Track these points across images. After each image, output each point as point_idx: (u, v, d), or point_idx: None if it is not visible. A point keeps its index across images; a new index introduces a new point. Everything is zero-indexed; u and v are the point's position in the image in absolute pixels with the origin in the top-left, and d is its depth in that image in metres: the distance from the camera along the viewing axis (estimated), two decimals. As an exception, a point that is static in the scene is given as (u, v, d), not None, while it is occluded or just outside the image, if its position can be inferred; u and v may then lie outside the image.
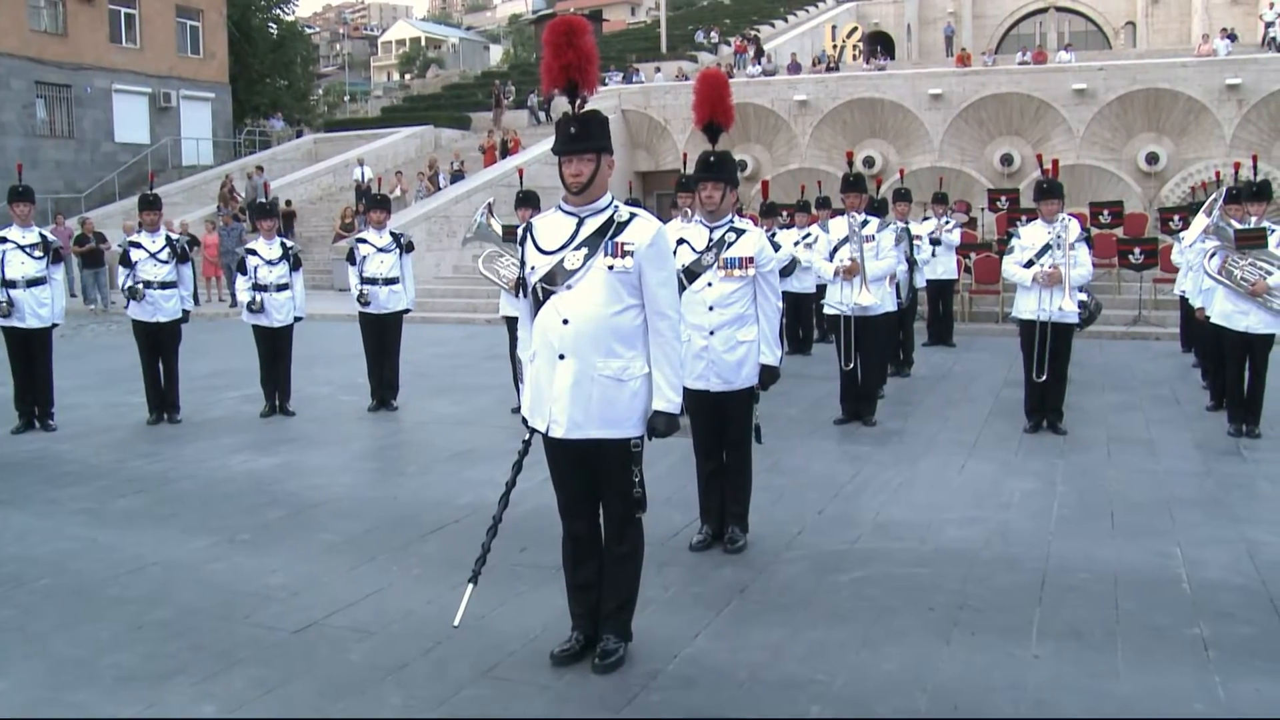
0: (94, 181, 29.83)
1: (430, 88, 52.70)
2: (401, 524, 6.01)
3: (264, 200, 11.50)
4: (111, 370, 12.24)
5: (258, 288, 9.32)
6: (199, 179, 29.83)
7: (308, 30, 60.45)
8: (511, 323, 8.79)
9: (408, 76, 75.82)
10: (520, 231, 4.09)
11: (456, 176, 27.17)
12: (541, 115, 33.02)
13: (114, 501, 6.59)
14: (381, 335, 9.65)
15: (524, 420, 4.05)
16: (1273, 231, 7.95)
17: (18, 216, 8.68)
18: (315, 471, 7.35)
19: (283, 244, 9.58)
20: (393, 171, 28.55)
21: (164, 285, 9.14)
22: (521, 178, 9.97)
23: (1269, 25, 32.61)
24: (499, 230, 8.67)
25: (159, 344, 9.21)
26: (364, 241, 9.73)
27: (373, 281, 9.57)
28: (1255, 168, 9.78)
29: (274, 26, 42.79)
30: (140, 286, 9.00)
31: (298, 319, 9.60)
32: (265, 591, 4.91)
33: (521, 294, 4.03)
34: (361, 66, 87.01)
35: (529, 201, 8.99)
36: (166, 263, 9.16)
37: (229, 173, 29.26)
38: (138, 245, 9.15)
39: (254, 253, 9.45)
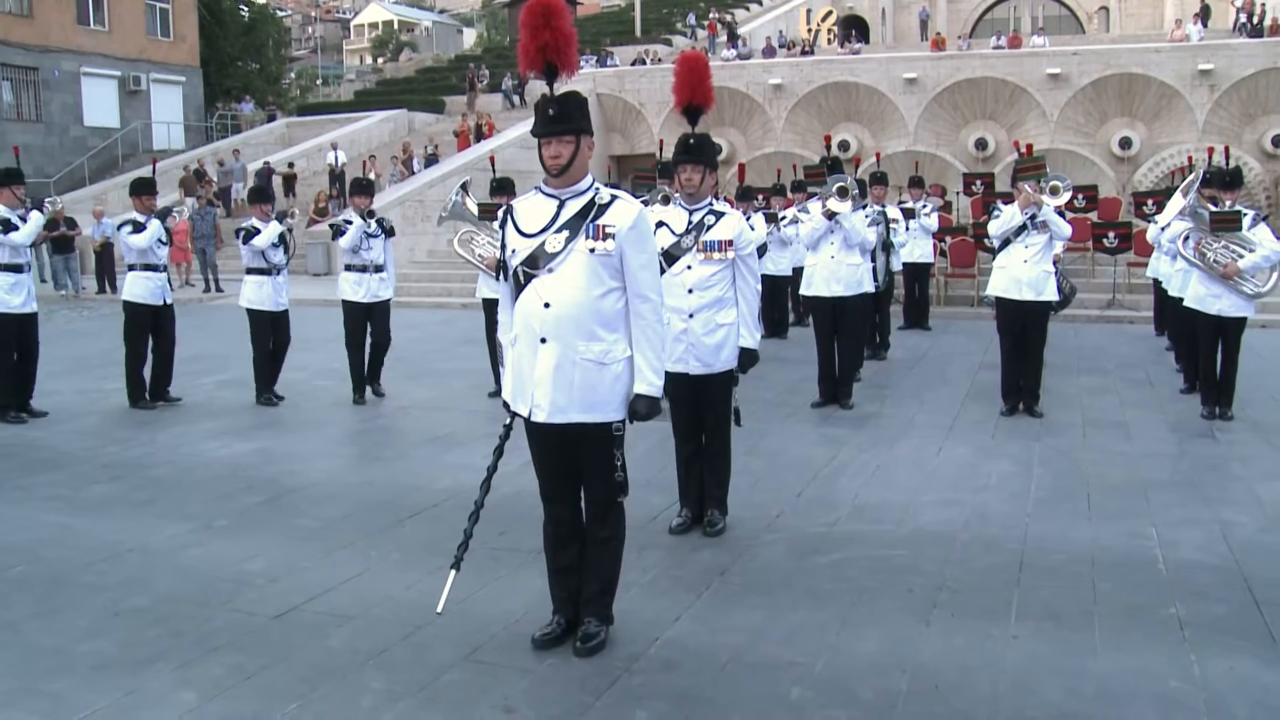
0: (63, 166, 29.46)
1: (403, 71, 52.29)
2: (380, 509, 5.98)
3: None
4: (84, 356, 12.12)
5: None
6: (170, 163, 29.51)
7: (279, 13, 59.89)
8: (490, 305, 8.71)
9: (381, 60, 75.22)
10: (501, 214, 4.06)
11: (430, 161, 27.02)
12: (516, 99, 32.85)
13: (89, 488, 6.53)
14: (369, 324, 9.35)
15: (505, 404, 4.03)
16: (1246, 215, 8.02)
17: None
18: (293, 457, 7.31)
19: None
20: (366, 156, 28.36)
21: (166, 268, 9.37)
22: (494, 164, 9.91)
23: (1239, 11, 32.82)
24: (474, 209, 8.62)
25: (159, 327, 9.25)
26: (351, 224, 9.33)
27: (362, 269, 9.29)
28: (1228, 157, 9.87)
29: (245, 9, 42.40)
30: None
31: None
32: (244, 577, 4.88)
33: (502, 277, 4.00)
34: (334, 50, 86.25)
35: (504, 189, 8.94)
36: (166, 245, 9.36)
37: (200, 157, 28.99)
38: (141, 227, 9.12)
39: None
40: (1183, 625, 4.25)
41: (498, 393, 6.90)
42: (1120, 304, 15.37)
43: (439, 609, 3.98)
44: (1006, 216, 8.18)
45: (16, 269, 8.69)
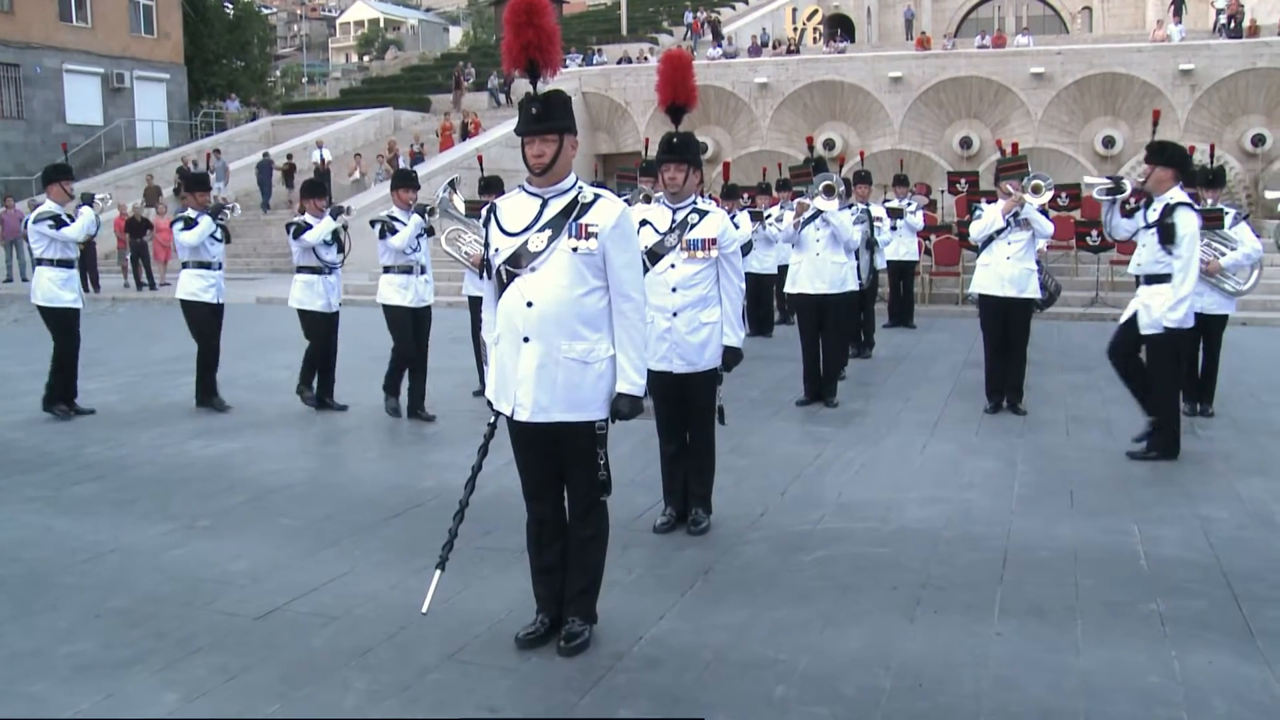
0: (45, 164, 29.22)
1: (389, 70, 52.20)
2: (364, 508, 5.97)
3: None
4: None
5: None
6: (154, 161, 29.39)
7: (265, 11, 59.67)
8: (476, 303, 8.62)
9: (366, 58, 75.07)
10: (484, 212, 4.05)
11: (416, 159, 26.95)
12: (502, 97, 32.80)
13: (69, 488, 6.49)
14: (417, 332, 8.55)
15: (488, 403, 4.03)
16: (1228, 214, 8.07)
17: None
18: (276, 456, 7.28)
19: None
20: (351, 154, 28.27)
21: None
22: (482, 164, 9.88)
23: (1219, 12, 33.01)
24: (461, 208, 8.60)
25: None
26: (395, 220, 8.45)
27: (408, 270, 8.45)
28: (1212, 156, 9.94)
29: (230, 6, 42.24)
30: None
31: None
32: (226, 578, 4.86)
33: (485, 276, 3.99)
34: (319, 48, 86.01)
35: (493, 187, 8.92)
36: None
37: (185, 155, 28.85)
38: (193, 223, 8.82)
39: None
40: (1163, 621, 4.27)
41: (482, 391, 6.89)
42: (1103, 302, 15.44)
43: (424, 609, 3.97)
44: (988, 219, 8.22)
45: (67, 264, 8.76)
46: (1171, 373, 6.89)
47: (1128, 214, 7.21)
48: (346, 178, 26.94)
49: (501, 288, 3.88)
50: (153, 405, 9.07)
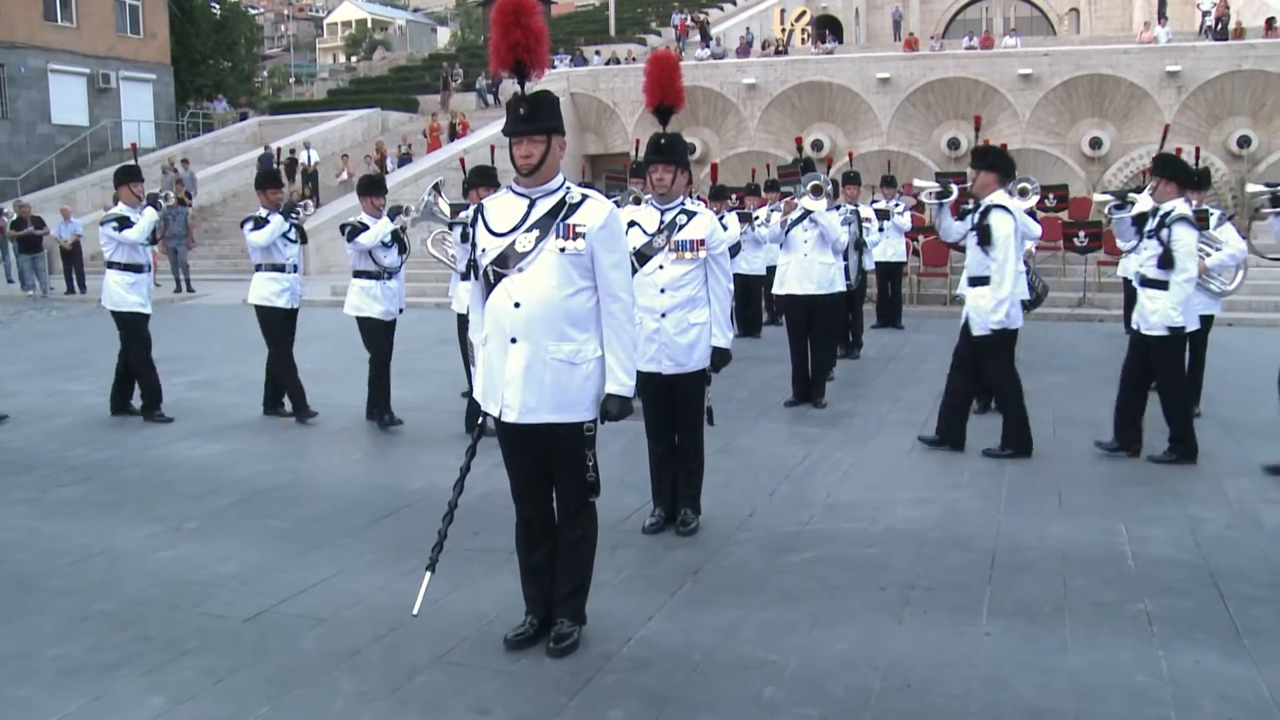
0: (30, 165, 29.13)
1: (377, 70, 52.08)
2: (352, 510, 5.95)
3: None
4: (51, 357, 12.00)
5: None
6: (141, 161, 29.25)
7: (251, 11, 59.55)
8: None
9: (354, 59, 74.91)
10: (471, 213, 4.04)
11: (403, 160, 26.92)
12: (490, 98, 32.78)
13: (56, 491, 6.45)
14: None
15: (477, 404, 4.02)
16: (1213, 215, 8.10)
17: None
18: (263, 458, 7.26)
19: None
20: (339, 155, 28.20)
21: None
22: (464, 166, 9.83)
23: (1205, 14, 33.21)
24: (447, 210, 8.56)
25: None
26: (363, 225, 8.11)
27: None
28: (1197, 157, 9.98)
29: (217, 6, 42.12)
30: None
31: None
32: (214, 580, 4.84)
33: (473, 276, 3.99)
34: (307, 48, 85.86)
35: (485, 178, 8.84)
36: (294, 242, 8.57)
37: (172, 156, 28.74)
38: (263, 223, 8.27)
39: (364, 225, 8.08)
40: (1151, 620, 4.29)
41: (470, 393, 6.87)
42: (1090, 302, 15.49)
43: (415, 611, 3.96)
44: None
45: (136, 269, 8.52)
46: (1005, 369, 7.17)
47: (959, 217, 7.42)
48: (334, 179, 26.88)
49: (489, 288, 3.88)
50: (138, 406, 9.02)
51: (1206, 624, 4.25)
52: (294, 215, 8.61)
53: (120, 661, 3.97)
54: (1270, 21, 30.10)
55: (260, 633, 4.24)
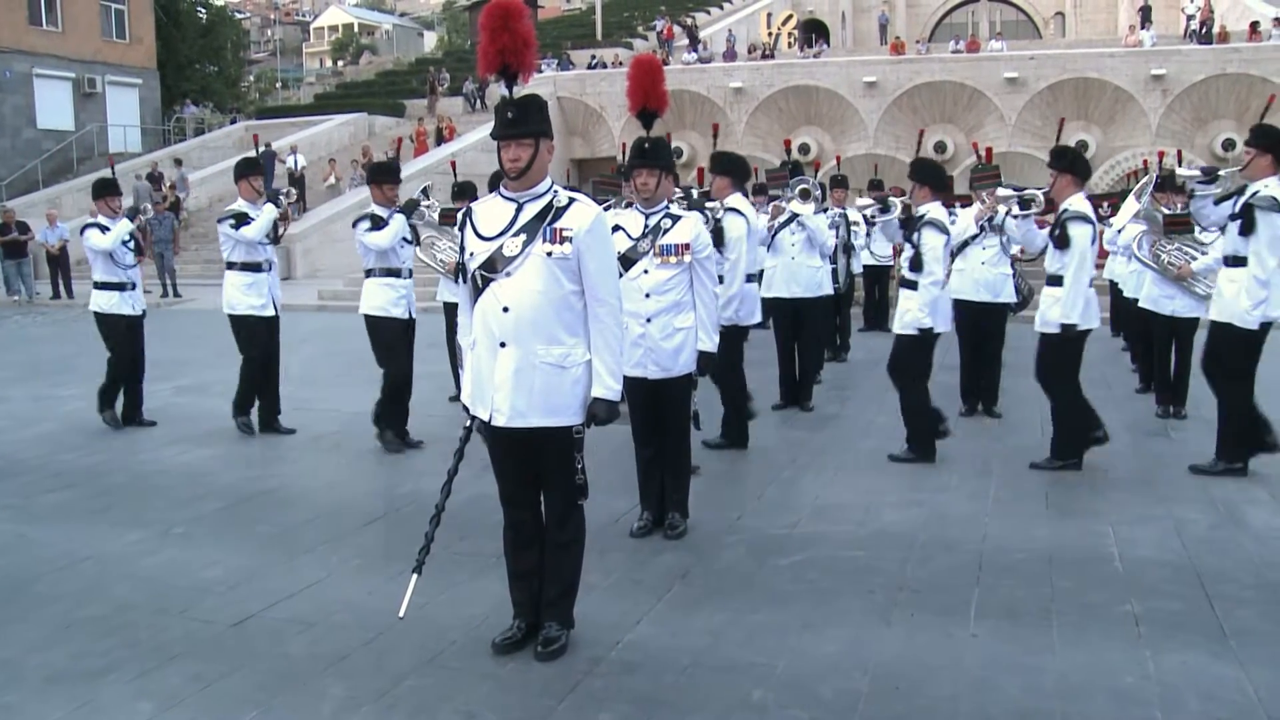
0: (15, 169, 29.00)
1: (364, 75, 52.08)
2: (340, 514, 5.94)
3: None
4: (37, 362, 11.95)
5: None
6: (127, 167, 29.13)
7: (238, 15, 59.45)
8: (450, 308, 8.59)
9: (341, 63, 74.80)
10: (460, 217, 4.05)
11: (391, 164, 26.80)
12: (477, 102, 32.77)
13: (42, 496, 6.42)
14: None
15: (465, 408, 4.02)
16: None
17: None
18: (251, 463, 7.24)
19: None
20: (326, 159, 28.13)
21: None
22: (455, 169, 9.85)
23: (1190, 18, 33.40)
24: (435, 215, 8.56)
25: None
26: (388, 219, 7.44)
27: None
28: (1180, 161, 10.04)
29: (203, 11, 42.01)
30: None
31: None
32: (202, 585, 4.82)
33: (461, 280, 3.98)
34: (294, 53, 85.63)
35: (465, 193, 8.88)
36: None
37: (157, 160, 28.65)
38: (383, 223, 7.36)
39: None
40: (1138, 621, 4.31)
41: (458, 397, 6.86)
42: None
43: (401, 613, 3.96)
44: (961, 225, 8.27)
45: (255, 268, 7.90)
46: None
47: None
48: (321, 183, 26.81)
49: (477, 292, 3.87)
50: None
51: (1193, 625, 4.27)
52: (416, 215, 7.73)
53: (107, 667, 3.95)
54: (1254, 25, 30.30)
55: (248, 638, 4.23)
